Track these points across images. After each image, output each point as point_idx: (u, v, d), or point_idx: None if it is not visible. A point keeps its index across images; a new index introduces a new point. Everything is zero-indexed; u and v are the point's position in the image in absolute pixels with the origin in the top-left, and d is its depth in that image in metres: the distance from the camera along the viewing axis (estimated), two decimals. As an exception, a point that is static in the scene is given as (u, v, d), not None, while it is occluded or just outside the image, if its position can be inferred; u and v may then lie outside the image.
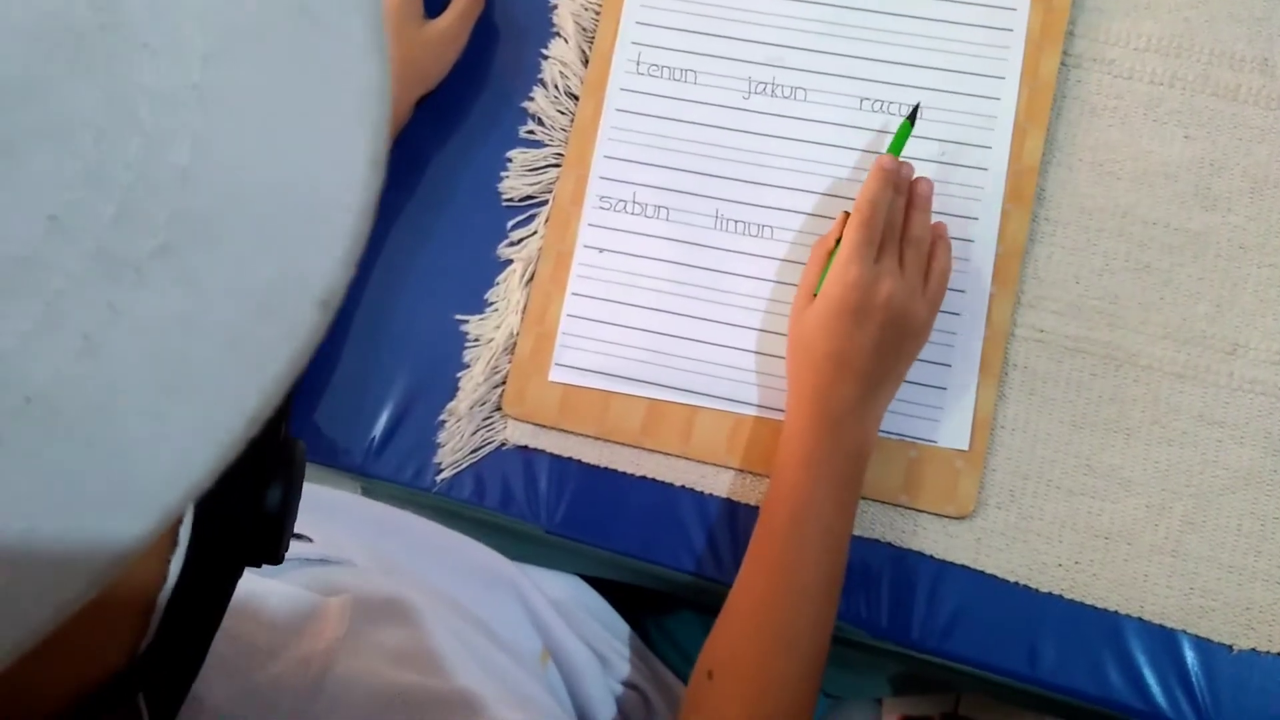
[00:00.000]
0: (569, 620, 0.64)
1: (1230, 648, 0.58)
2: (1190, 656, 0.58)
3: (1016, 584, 0.60)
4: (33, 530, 0.16)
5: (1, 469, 0.16)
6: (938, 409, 0.61)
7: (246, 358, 0.19)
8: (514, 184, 0.68)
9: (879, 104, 0.65)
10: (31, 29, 0.16)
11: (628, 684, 0.65)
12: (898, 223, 0.58)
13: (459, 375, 0.66)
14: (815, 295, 0.57)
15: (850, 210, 0.58)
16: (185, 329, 0.18)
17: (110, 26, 0.17)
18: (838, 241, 0.58)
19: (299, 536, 0.42)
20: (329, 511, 0.51)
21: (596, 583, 0.70)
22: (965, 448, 0.61)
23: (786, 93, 0.66)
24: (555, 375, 0.64)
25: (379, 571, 0.47)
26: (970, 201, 0.64)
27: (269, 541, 0.29)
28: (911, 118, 0.61)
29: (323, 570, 0.44)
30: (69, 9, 0.17)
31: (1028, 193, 0.63)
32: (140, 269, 0.17)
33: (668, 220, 0.65)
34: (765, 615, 0.54)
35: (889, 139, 0.64)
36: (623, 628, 0.68)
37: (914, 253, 0.57)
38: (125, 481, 0.17)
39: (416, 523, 0.62)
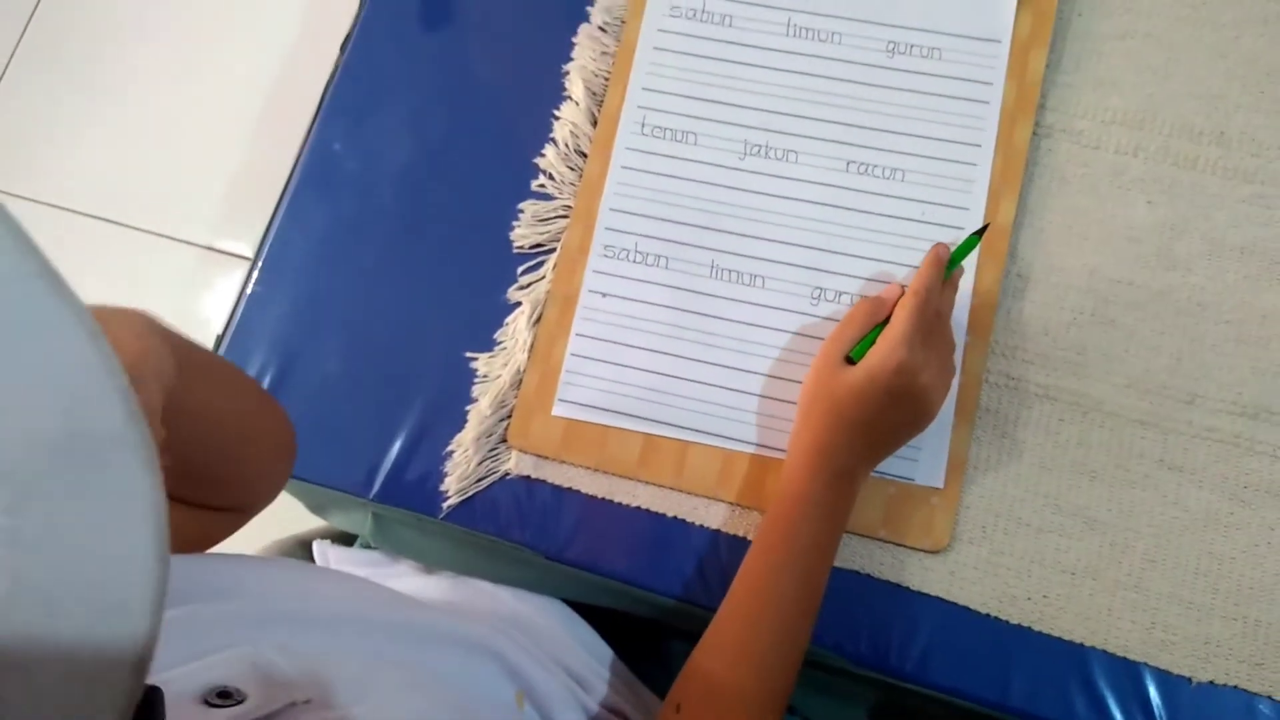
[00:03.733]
0: (555, 651, 0.66)
1: (1190, 680, 0.61)
2: (1152, 687, 0.61)
3: (988, 615, 0.63)
4: None
5: None
6: (915, 449, 0.65)
7: None
8: (524, 233, 0.73)
9: (864, 167, 0.71)
10: None
11: (611, 708, 0.67)
12: (943, 309, 0.61)
13: (467, 409, 0.70)
14: (850, 356, 0.60)
15: (903, 285, 0.61)
16: None
17: None
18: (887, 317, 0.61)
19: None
20: (302, 627, 0.51)
21: (589, 610, 0.73)
22: (940, 486, 0.65)
23: (779, 155, 0.72)
24: (558, 410, 0.69)
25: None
26: (948, 258, 0.68)
27: None
28: (979, 233, 0.63)
29: None
30: None
31: (1001, 250, 0.68)
32: None
33: (667, 268, 0.70)
34: (743, 651, 0.58)
35: (873, 199, 0.70)
36: (607, 653, 0.71)
37: (945, 340, 0.61)
38: None
39: (376, 607, 0.59)
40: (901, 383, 0.57)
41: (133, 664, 0.24)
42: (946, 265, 0.61)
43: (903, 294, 0.61)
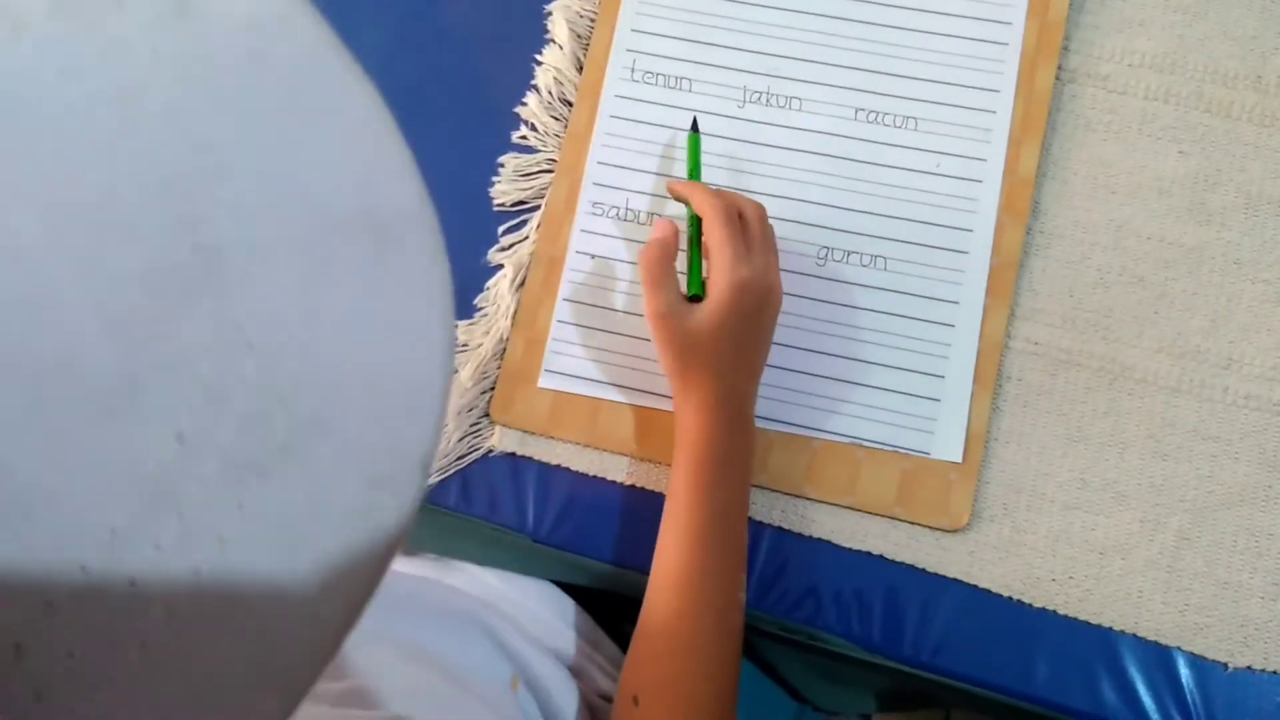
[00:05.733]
0: (545, 637, 0.63)
1: (1225, 665, 0.57)
2: (1185, 674, 0.57)
3: (1010, 598, 0.59)
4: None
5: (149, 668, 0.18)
6: (931, 420, 0.61)
7: (364, 525, 0.22)
8: (505, 189, 0.67)
9: (874, 115, 0.65)
10: (142, 274, 0.18)
11: (606, 696, 0.63)
12: (739, 205, 0.58)
13: (446, 381, 0.65)
14: (687, 294, 0.58)
15: (671, 220, 0.60)
16: (309, 514, 0.20)
17: (212, 266, 0.19)
18: (693, 243, 0.60)
19: None
20: None
21: (583, 593, 0.68)
22: (959, 460, 0.60)
23: (781, 102, 0.66)
24: (544, 381, 0.63)
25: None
26: (965, 213, 0.63)
27: None
28: (694, 131, 0.63)
29: None
30: (174, 254, 0.19)
31: (1022, 205, 0.63)
32: (263, 470, 0.20)
33: (661, 227, 0.65)
34: (685, 631, 0.54)
35: (884, 149, 0.64)
36: (605, 641, 0.67)
37: (760, 229, 0.58)
38: (266, 667, 0.20)
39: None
40: (753, 293, 0.56)
41: (421, 459, 0.23)
42: (690, 176, 0.62)
43: (673, 226, 0.59)
